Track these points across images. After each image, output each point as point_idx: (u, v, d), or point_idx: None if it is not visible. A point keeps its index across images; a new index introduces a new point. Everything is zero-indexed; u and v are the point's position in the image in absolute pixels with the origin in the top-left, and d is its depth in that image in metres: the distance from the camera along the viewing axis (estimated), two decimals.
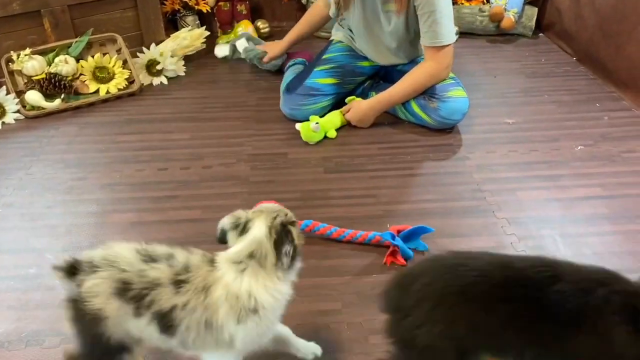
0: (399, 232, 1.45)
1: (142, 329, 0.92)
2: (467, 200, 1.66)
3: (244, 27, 2.84)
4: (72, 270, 0.91)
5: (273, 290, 0.94)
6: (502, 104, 2.21)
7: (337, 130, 2.02)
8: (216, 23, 2.96)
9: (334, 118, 2.04)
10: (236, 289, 0.91)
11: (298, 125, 1.99)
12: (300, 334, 1.21)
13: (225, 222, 0.99)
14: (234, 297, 0.91)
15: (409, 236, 1.45)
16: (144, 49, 2.45)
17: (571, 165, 1.80)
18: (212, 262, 0.95)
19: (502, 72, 2.51)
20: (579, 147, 1.89)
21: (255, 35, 2.73)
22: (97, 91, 2.31)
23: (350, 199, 1.67)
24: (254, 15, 2.98)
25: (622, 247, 1.44)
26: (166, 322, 0.91)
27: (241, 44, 2.58)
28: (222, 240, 1.00)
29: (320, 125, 1.96)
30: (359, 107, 2.04)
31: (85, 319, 0.91)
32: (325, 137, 1.99)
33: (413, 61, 2.12)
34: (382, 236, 1.44)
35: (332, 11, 2.19)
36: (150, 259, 0.92)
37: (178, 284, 0.91)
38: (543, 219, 1.56)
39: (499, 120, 2.09)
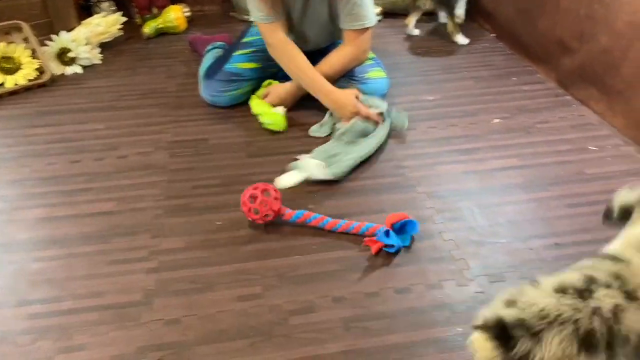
0: (392, 225, 1.38)
1: None
2: (390, 177, 1.67)
3: (174, 12, 2.73)
4: (503, 334, 0.72)
5: None
6: (422, 82, 2.24)
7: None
8: (134, 8, 2.85)
9: (262, 104, 1.98)
10: None
11: (267, 120, 1.89)
12: (220, 321, 1.18)
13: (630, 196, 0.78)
14: None
15: (401, 228, 1.40)
16: (54, 36, 2.32)
17: (488, 138, 1.84)
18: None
19: (424, 50, 2.54)
20: (496, 120, 1.94)
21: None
22: (2, 83, 2.17)
23: (273, 182, 1.64)
24: None
25: (536, 214, 1.49)
26: None
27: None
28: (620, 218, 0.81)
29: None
30: (277, 92, 2.00)
31: None
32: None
33: (335, 43, 2.11)
34: (377, 232, 1.38)
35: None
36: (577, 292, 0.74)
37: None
38: (461, 191, 1.59)
39: (419, 98, 2.11)
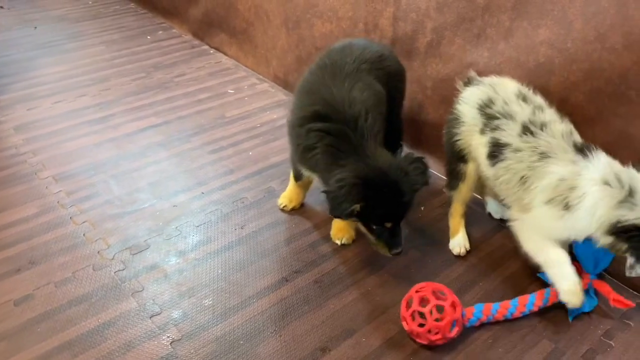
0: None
1: None
2: (4, 169, 1.36)
3: None
4: None
5: None
6: (45, 55, 1.93)
7: None
8: None
9: None
10: None
11: None
12: None
13: None
14: None
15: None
16: None
17: (123, 102, 1.66)
18: None
19: (44, 21, 2.21)
20: (131, 82, 1.77)
21: None
22: None
23: None
24: None
25: (179, 168, 1.39)
26: None
27: None
28: None
29: None
30: None
31: None
32: None
33: None
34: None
35: None
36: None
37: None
38: (94, 165, 1.38)
39: (42, 73, 1.81)
